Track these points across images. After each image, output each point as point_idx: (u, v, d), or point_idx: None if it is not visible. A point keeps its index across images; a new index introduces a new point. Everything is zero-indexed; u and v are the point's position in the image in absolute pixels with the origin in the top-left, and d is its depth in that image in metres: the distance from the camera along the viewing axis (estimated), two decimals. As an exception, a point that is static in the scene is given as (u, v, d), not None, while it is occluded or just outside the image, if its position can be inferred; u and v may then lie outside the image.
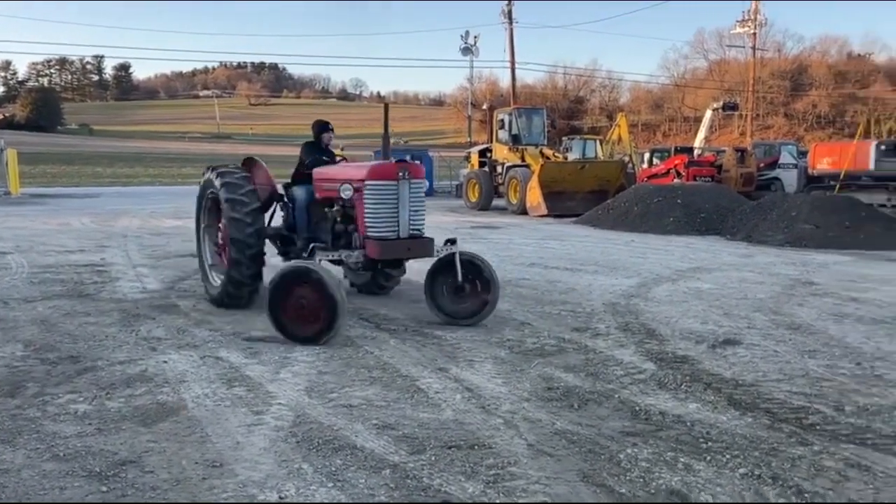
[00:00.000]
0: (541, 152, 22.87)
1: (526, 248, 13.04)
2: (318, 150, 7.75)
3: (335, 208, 6.96)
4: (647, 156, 30.67)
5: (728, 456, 3.76)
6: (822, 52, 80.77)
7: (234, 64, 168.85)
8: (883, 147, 22.04)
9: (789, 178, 25.49)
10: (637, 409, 4.51)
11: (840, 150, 23.46)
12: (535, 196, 20.46)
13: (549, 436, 4.05)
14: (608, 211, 17.67)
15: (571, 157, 27.29)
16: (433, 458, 3.73)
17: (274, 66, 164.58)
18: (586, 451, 3.84)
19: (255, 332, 6.38)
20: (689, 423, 4.24)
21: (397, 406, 4.55)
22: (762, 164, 26.02)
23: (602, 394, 4.81)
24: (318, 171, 7.37)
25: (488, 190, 23.65)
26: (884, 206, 19.29)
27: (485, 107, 45.70)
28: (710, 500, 3.27)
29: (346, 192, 6.57)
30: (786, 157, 26.51)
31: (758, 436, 4.05)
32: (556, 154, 24.07)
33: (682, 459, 3.72)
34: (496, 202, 23.74)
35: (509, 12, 37.44)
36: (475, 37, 42.13)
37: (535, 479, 3.49)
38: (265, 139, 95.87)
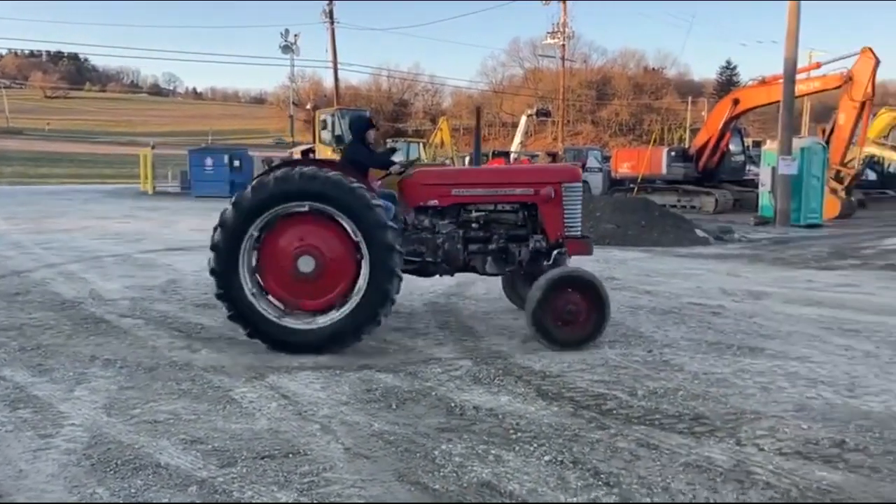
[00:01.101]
0: (364, 154, 22.91)
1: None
2: (368, 150, 6.90)
3: (507, 213, 6.73)
4: (467, 159, 31.76)
5: (535, 445, 3.96)
6: (622, 65, 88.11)
7: (27, 52, 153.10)
8: (673, 153, 24.43)
9: (595, 181, 27.49)
10: (453, 405, 4.63)
11: (637, 155, 25.70)
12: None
13: (366, 438, 4.05)
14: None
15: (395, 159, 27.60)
16: (244, 471, 3.59)
17: (74, 57, 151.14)
18: (402, 450, 3.87)
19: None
20: (500, 416, 4.42)
21: (208, 419, 4.33)
22: (572, 168, 27.84)
23: (420, 392, 4.88)
24: (480, 174, 7.08)
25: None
26: (674, 206, 21.39)
27: (308, 107, 44.97)
28: (518, 489, 3.43)
29: (549, 194, 6.48)
30: (591, 162, 28.58)
31: (562, 423, 4.30)
32: (379, 156, 24.23)
33: (493, 451, 3.87)
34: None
35: (330, 12, 37.16)
36: (295, 35, 41.40)
37: (350, 482, 3.47)
38: (64, 135, 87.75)
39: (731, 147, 24.08)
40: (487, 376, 5.25)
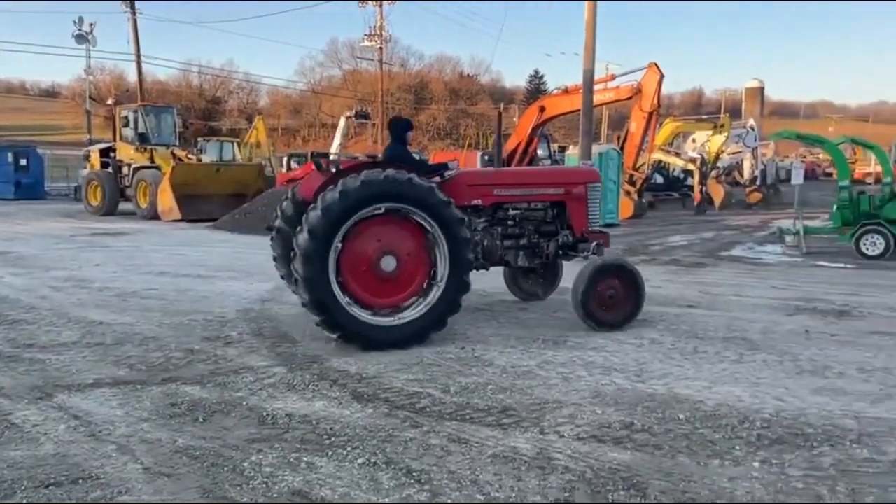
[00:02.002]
0: (172, 153, 21.67)
1: (155, 256, 12.19)
2: (407, 151, 7.01)
3: (538, 210, 7.43)
4: (285, 160, 31.03)
5: (349, 448, 3.94)
6: (439, 70, 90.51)
7: None
8: (486, 157, 25.47)
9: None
10: (265, 414, 4.49)
11: (453, 159, 26.48)
12: (166, 199, 19.29)
13: (168, 455, 3.81)
14: (246, 215, 17.44)
15: (206, 159, 26.33)
16: (25, 502, 3.23)
17: None
18: (209, 465, 3.69)
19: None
20: (314, 422, 4.35)
21: (-19, 448, 3.86)
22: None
23: (230, 403, 4.68)
24: (516, 175, 8.07)
25: (113, 193, 21.64)
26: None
27: (109, 102, 41.63)
28: (330, 495, 3.39)
29: (579, 193, 7.40)
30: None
31: (377, 425, 4.32)
32: (188, 155, 23.01)
33: (305, 459, 3.79)
34: (124, 206, 21.82)
35: (131, 2, 34.63)
36: (91, 24, 38.06)
37: (149, 505, 3.25)
38: None
39: (539, 152, 25.54)
40: (302, 382, 5.15)
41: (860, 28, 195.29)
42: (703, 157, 25.19)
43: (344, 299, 6.00)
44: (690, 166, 25.52)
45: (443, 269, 6.23)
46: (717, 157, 25.86)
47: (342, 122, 36.13)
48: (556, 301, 8.27)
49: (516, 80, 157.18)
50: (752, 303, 8.36)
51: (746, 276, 10.67)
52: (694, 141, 27.50)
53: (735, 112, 62.47)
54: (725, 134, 25.50)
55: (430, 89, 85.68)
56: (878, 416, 4.56)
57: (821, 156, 53.24)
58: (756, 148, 28.26)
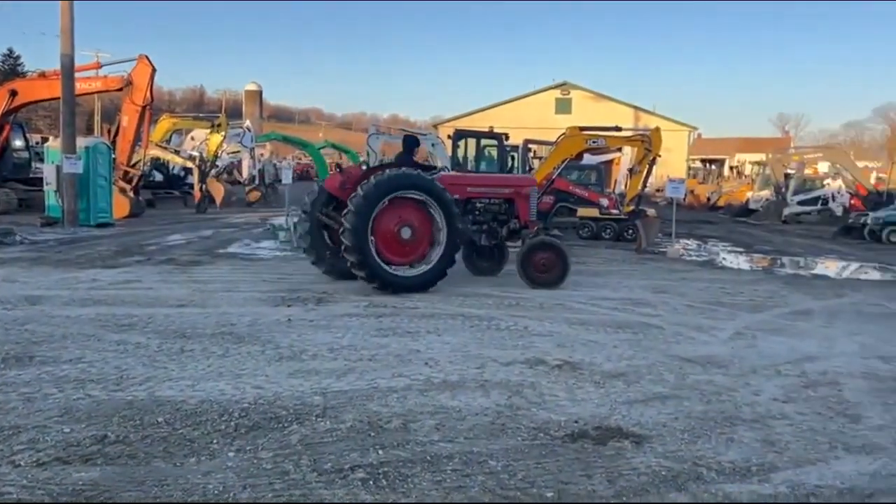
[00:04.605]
0: None
1: None
2: (412, 160, 10.05)
3: (496, 205, 10.37)
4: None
5: None
6: None
7: None
8: None
9: None
10: None
11: None
12: None
13: None
14: None
15: None
16: None
17: None
18: None
19: None
20: None
21: None
22: None
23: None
24: (482, 179, 11.79)
25: None
26: None
27: None
28: None
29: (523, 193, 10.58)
30: None
31: None
32: None
33: None
34: None
35: None
36: None
37: None
38: None
39: (16, 142, 22.23)
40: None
41: (337, 44, 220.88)
42: (202, 156, 25.21)
43: (378, 259, 8.86)
44: (190, 164, 25.31)
45: (442, 242, 9.18)
46: (217, 156, 26.17)
47: None
48: (25, 313, 7.26)
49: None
50: (243, 297, 8.65)
51: (240, 271, 11.01)
52: (193, 139, 27.38)
53: (237, 113, 64.45)
54: (223, 133, 25.94)
55: None
56: (342, 388, 5.16)
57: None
58: (253, 148, 29.51)
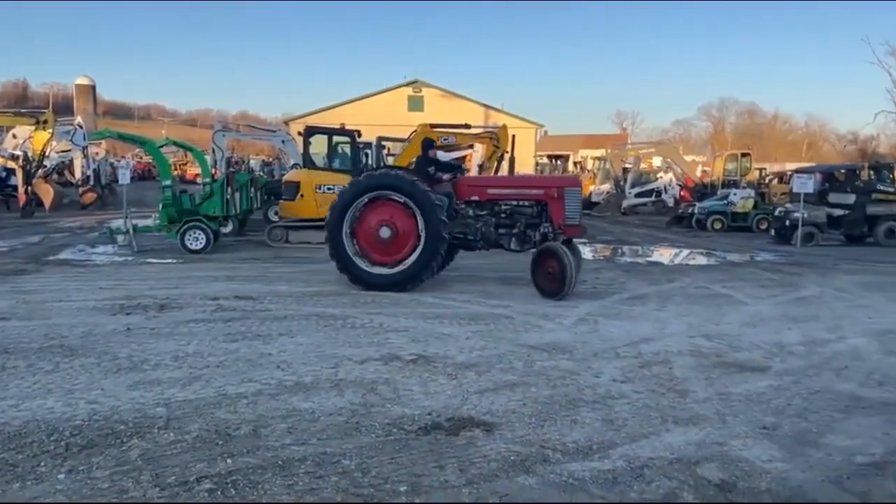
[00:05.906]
0: None
1: None
2: (427, 160, 9.99)
3: (526, 207, 9.76)
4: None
5: None
6: None
7: None
8: None
9: None
10: None
11: None
12: None
13: None
14: None
15: None
16: None
17: None
18: None
19: None
20: None
21: None
22: None
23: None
24: (506, 180, 12.05)
25: None
26: None
27: None
28: None
29: (552, 194, 9.73)
30: None
31: None
32: None
33: None
34: None
35: None
36: None
37: None
38: None
39: None
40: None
41: (210, 36, 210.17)
42: (27, 155, 23.09)
43: (355, 256, 9.38)
44: (12, 164, 23.14)
45: (422, 245, 9.15)
46: (44, 156, 24.07)
47: None
48: None
49: None
50: (76, 307, 8.02)
51: (73, 279, 10.20)
52: (15, 137, 25.00)
53: (67, 109, 59.63)
54: (50, 131, 23.90)
55: None
56: (187, 398, 4.91)
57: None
58: (86, 147, 27.44)
